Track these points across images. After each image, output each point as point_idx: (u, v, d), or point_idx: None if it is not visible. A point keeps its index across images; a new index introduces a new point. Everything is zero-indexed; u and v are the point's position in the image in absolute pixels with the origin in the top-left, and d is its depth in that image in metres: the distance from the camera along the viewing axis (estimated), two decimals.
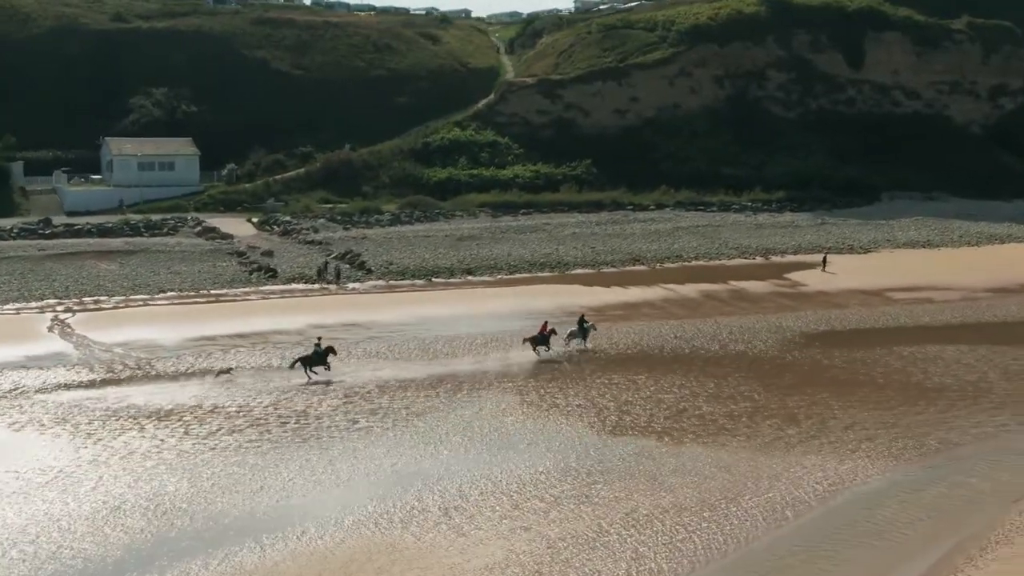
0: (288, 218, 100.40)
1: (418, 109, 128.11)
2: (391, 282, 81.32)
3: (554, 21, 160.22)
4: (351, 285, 79.39)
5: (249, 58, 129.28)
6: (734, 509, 35.25)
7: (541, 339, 57.68)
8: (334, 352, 53.54)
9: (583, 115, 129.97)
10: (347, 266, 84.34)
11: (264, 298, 74.23)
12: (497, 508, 35.36)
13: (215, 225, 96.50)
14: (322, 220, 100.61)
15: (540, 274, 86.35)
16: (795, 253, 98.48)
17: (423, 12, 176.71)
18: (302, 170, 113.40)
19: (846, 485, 37.62)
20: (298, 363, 52.37)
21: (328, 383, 51.48)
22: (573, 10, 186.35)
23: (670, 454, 40.92)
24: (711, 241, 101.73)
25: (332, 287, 78.39)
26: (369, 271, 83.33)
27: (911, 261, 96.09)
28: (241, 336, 61.84)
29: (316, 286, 78.55)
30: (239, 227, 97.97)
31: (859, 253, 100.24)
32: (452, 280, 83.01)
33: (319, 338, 55.05)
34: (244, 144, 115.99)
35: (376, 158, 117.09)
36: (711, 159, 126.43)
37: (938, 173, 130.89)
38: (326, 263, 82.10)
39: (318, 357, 52.70)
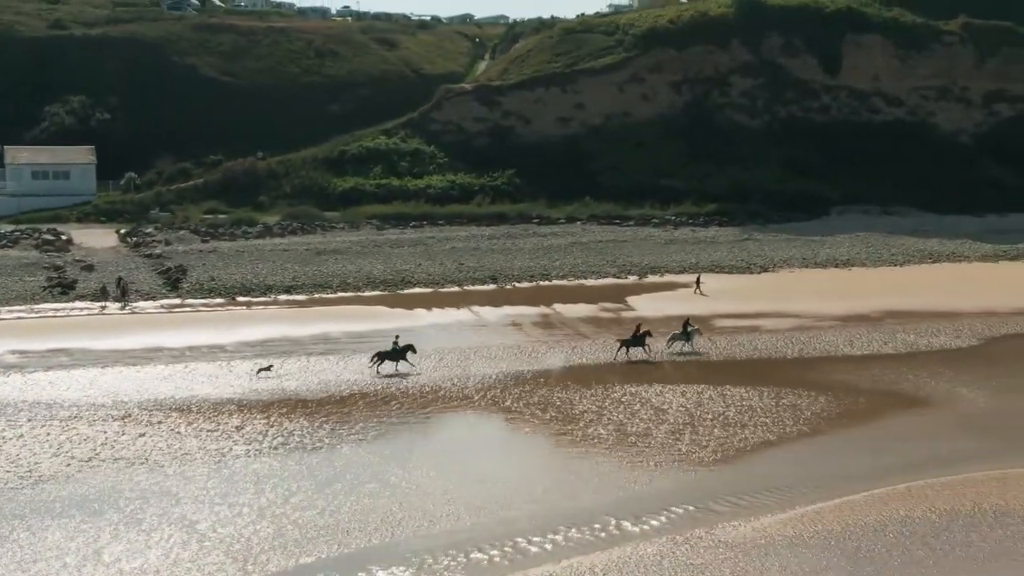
0: (150, 230, 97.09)
1: (353, 117, 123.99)
2: (188, 301, 76.78)
3: (534, 26, 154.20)
4: (139, 304, 75.33)
5: (179, 64, 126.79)
6: None
7: (634, 341, 59.62)
8: (413, 350, 56.33)
9: (523, 123, 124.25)
10: (161, 281, 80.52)
11: (19, 319, 70.49)
12: None
13: (72, 236, 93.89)
14: (183, 232, 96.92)
15: (369, 293, 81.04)
16: (682, 272, 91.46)
17: (429, 18, 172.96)
18: (201, 180, 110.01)
19: None
20: (376, 358, 55.68)
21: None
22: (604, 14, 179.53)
23: None
24: (599, 258, 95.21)
25: (115, 306, 74.48)
26: (178, 288, 79.15)
27: (799, 283, 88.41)
28: None
29: (98, 305, 74.71)
30: (101, 239, 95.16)
31: (755, 273, 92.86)
32: (262, 299, 78.00)
33: (397, 336, 57.59)
34: (158, 153, 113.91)
35: (284, 167, 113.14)
36: (654, 170, 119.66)
37: (908, 185, 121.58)
38: (119, 280, 78.14)
39: (395, 353, 55.46)
